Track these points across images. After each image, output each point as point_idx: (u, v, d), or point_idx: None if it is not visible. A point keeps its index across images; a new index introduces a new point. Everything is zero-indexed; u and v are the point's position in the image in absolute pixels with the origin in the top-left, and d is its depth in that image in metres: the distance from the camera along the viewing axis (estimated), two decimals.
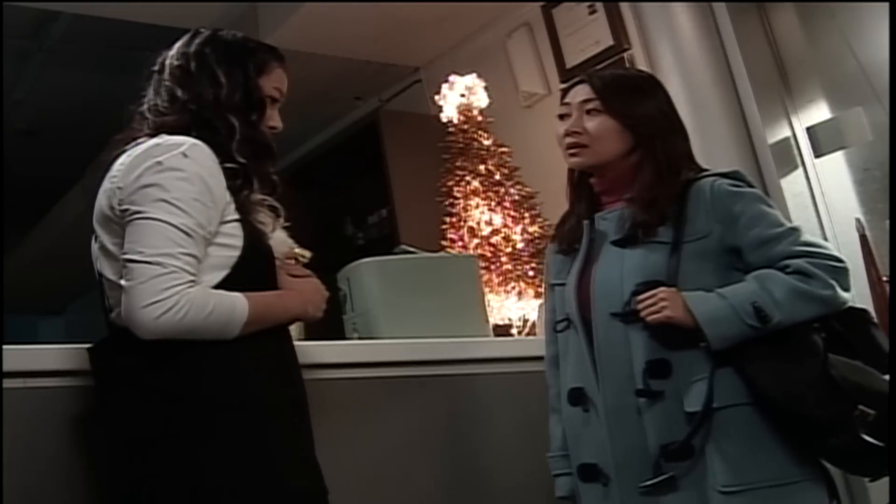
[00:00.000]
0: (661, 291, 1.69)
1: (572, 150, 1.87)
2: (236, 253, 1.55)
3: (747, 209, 1.76)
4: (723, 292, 1.69)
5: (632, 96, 1.87)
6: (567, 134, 1.87)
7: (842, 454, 1.65)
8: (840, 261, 1.71)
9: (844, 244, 2.96)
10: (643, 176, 1.83)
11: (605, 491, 1.76)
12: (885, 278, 2.65)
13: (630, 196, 1.82)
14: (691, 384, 1.68)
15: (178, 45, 1.72)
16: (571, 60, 3.62)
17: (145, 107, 1.68)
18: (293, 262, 1.73)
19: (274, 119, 1.74)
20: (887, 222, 2.86)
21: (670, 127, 1.88)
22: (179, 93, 1.65)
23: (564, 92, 1.95)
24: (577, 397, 1.81)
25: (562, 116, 1.91)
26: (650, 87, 1.92)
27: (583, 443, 1.81)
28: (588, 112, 1.86)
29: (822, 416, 1.60)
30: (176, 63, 1.68)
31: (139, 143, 1.58)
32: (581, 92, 1.88)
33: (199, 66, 1.67)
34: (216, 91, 1.64)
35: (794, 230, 1.75)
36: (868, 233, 2.79)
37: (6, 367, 1.61)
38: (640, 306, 1.70)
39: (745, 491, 1.62)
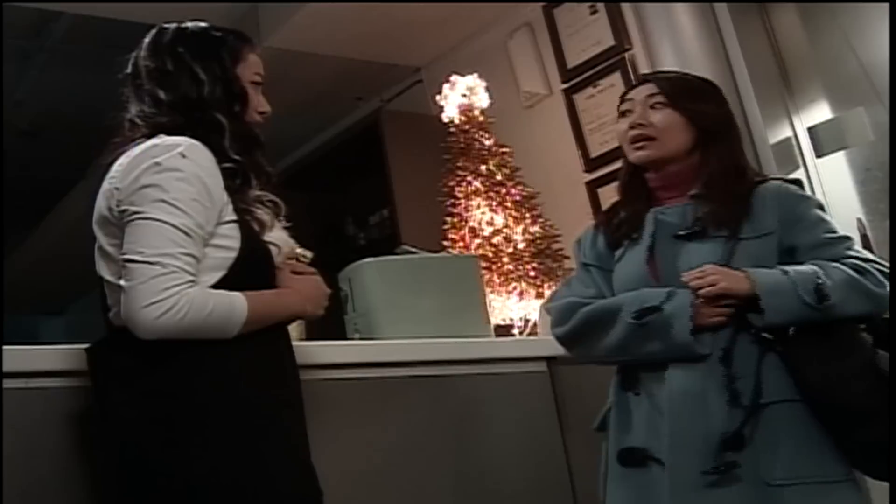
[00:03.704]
0: (709, 267, 1.72)
1: (638, 144, 1.88)
2: (233, 254, 1.55)
3: (809, 213, 1.82)
4: (784, 268, 1.72)
5: (696, 94, 1.93)
6: (632, 127, 1.89)
7: (875, 450, 1.66)
8: (889, 269, 1.75)
9: None
10: (713, 172, 1.86)
11: (647, 477, 1.74)
12: None
13: (696, 192, 1.85)
14: (745, 378, 1.70)
15: (146, 43, 1.70)
16: (573, 60, 3.62)
17: (132, 113, 1.66)
18: (295, 261, 1.73)
19: (262, 104, 1.73)
20: (888, 222, 2.86)
21: (734, 131, 1.94)
22: (162, 95, 1.64)
23: (626, 91, 1.98)
24: (632, 381, 1.81)
25: (623, 113, 1.93)
26: (713, 90, 1.98)
27: (631, 426, 1.79)
28: (653, 107, 1.89)
29: (867, 406, 1.63)
30: (152, 64, 1.66)
31: (137, 144, 1.58)
32: (645, 89, 1.92)
33: (175, 64, 1.65)
34: (198, 88, 1.63)
35: (850, 238, 1.82)
36: (869, 233, 2.79)
37: (6, 367, 1.61)
38: (691, 283, 1.72)
39: (795, 485, 1.64)
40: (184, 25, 1.71)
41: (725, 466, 1.64)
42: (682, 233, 1.82)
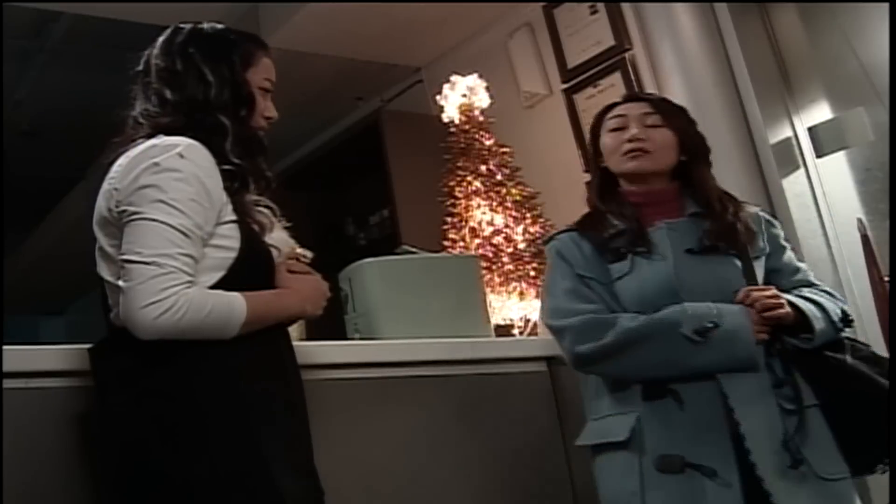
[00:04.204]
0: (773, 289, 1.84)
1: (634, 153, 1.96)
2: (233, 254, 1.55)
3: (784, 241, 2.03)
4: (809, 297, 1.87)
5: (683, 117, 2.05)
6: (630, 140, 1.96)
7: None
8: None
9: (846, 244, 2.96)
10: (707, 192, 1.98)
11: (689, 485, 1.74)
12: (886, 278, 2.66)
13: (695, 210, 1.95)
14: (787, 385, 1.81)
15: (159, 42, 1.70)
16: (573, 60, 3.62)
17: (137, 111, 1.67)
18: (295, 261, 1.73)
19: (269, 110, 1.73)
20: (888, 222, 2.86)
21: (710, 155, 2.05)
22: (169, 94, 1.64)
23: (613, 105, 2.06)
24: (660, 392, 1.81)
25: (615, 128, 2.00)
26: (690, 116, 2.08)
27: (671, 435, 1.79)
28: (647, 126, 1.98)
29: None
30: (162, 64, 1.66)
31: (136, 145, 1.58)
32: (638, 106, 2.02)
33: (185, 65, 1.65)
34: (205, 90, 1.63)
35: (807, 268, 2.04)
36: (870, 233, 2.79)
37: (7, 367, 1.61)
38: (762, 298, 1.80)
39: (843, 479, 1.76)
40: (199, 26, 1.71)
41: (797, 462, 1.72)
42: (696, 248, 1.89)
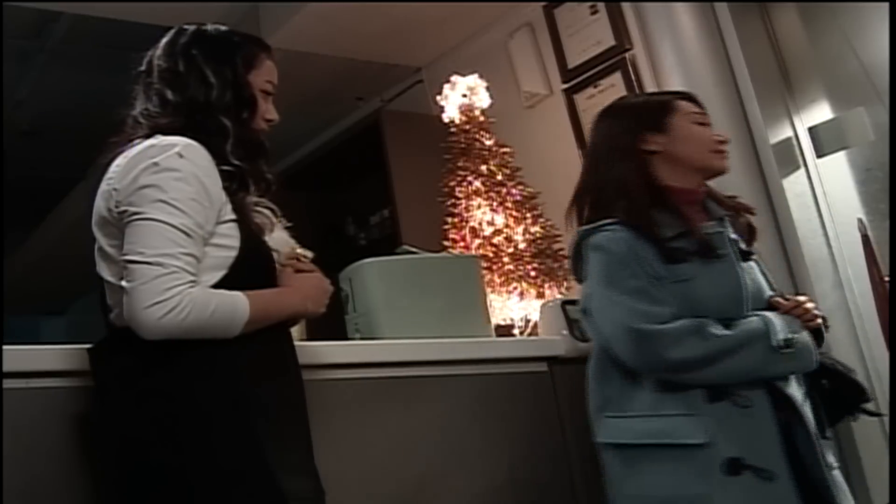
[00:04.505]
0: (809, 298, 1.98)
1: (726, 153, 2.05)
2: (233, 253, 1.55)
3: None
4: None
5: None
6: (723, 140, 2.05)
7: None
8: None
9: (847, 244, 2.96)
10: (721, 198, 2.08)
11: (749, 486, 1.76)
12: (886, 278, 2.66)
13: (724, 214, 2.03)
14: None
15: (162, 43, 1.70)
16: (573, 61, 3.62)
17: (137, 111, 1.67)
18: (296, 261, 1.73)
19: (270, 112, 1.73)
20: (888, 222, 2.86)
21: None
22: (170, 95, 1.64)
23: (688, 99, 2.09)
24: (722, 394, 1.82)
25: (705, 123, 2.07)
26: None
27: (734, 436, 1.80)
28: None
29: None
30: (164, 64, 1.67)
31: (134, 145, 1.58)
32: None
33: (187, 66, 1.65)
34: (207, 92, 1.64)
35: None
36: (870, 233, 2.79)
37: (7, 367, 1.61)
38: (811, 310, 1.92)
39: (839, 468, 1.89)
40: (203, 28, 1.72)
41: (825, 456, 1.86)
42: (741, 253, 1.97)
